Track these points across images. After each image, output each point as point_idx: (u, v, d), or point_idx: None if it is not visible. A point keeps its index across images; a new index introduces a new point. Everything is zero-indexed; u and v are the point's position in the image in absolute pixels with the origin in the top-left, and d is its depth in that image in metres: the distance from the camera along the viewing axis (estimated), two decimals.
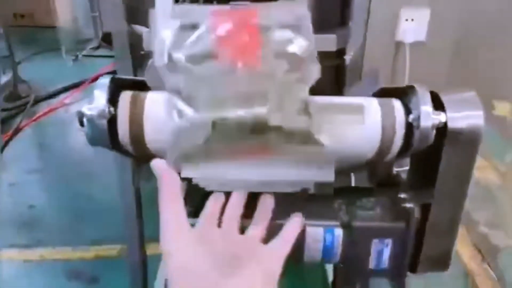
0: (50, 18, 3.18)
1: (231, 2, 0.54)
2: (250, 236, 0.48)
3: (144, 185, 0.89)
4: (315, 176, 0.50)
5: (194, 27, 0.49)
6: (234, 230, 0.47)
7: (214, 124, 0.45)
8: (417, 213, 0.55)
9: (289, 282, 0.52)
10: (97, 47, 2.67)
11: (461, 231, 1.41)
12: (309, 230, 0.52)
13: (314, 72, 0.49)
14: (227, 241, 0.46)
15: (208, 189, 0.49)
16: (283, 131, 0.46)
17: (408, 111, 0.51)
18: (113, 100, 0.49)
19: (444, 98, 0.51)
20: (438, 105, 0.51)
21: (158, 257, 1.18)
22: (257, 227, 0.48)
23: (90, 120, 0.47)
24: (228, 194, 0.49)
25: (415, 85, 0.52)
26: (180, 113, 0.46)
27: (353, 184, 0.78)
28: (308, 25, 0.51)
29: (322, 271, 0.84)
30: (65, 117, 2.18)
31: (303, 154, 0.48)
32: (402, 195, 0.56)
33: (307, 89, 0.48)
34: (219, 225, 0.47)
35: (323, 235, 0.53)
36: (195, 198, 0.51)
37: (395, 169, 0.60)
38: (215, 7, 0.51)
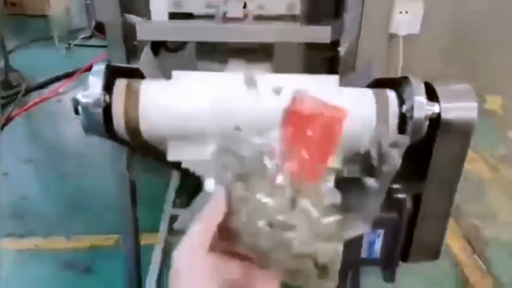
0: (41, 6, 3.15)
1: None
2: None
3: (139, 176, 0.89)
4: None
5: None
6: None
7: None
8: (408, 204, 0.56)
9: None
10: (90, 37, 2.64)
11: (452, 223, 1.43)
12: None
13: None
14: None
15: None
16: None
17: (402, 102, 0.52)
18: (107, 87, 0.49)
19: (438, 89, 0.52)
20: (432, 96, 0.51)
21: (152, 248, 1.19)
22: None
23: (85, 108, 0.47)
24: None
25: (410, 76, 0.52)
26: None
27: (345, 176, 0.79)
28: None
29: None
30: (57, 107, 2.16)
31: None
32: (394, 186, 0.56)
33: None
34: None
35: None
36: (188, 189, 0.51)
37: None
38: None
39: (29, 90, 2.23)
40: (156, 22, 0.94)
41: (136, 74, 0.51)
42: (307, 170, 0.45)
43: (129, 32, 0.91)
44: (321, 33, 0.93)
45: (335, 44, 0.94)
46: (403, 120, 0.51)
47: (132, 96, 0.48)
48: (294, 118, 0.46)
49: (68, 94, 2.17)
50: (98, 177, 1.63)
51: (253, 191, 0.44)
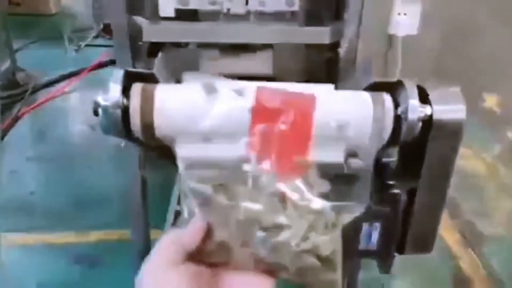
0: (46, 6, 3.18)
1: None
2: None
3: (151, 174, 0.92)
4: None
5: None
6: None
7: None
8: (403, 198, 0.60)
9: None
10: (96, 36, 2.67)
11: (448, 219, 1.46)
12: None
13: None
14: None
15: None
16: None
17: (396, 104, 0.55)
18: (124, 91, 0.53)
19: (430, 93, 0.55)
20: (425, 99, 0.55)
21: None
22: None
23: (105, 110, 0.51)
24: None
25: (404, 80, 0.56)
26: None
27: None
28: None
29: None
30: (64, 105, 2.20)
31: None
32: (390, 182, 0.60)
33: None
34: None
35: None
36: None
37: (384, 159, 0.64)
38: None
39: (36, 89, 2.27)
40: (161, 23, 0.97)
41: (151, 79, 0.55)
42: (286, 165, 0.44)
43: (135, 34, 0.95)
44: (321, 34, 0.96)
45: (334, 45, 0.97)
46: (398, 122, 0.55)
47: (147, 99, 0.52)
48: (262, 114, 0.44)
49: (75, 93, 2.21)
50: (104, 174, 1.67)
51: (238, 199, 0.42)
